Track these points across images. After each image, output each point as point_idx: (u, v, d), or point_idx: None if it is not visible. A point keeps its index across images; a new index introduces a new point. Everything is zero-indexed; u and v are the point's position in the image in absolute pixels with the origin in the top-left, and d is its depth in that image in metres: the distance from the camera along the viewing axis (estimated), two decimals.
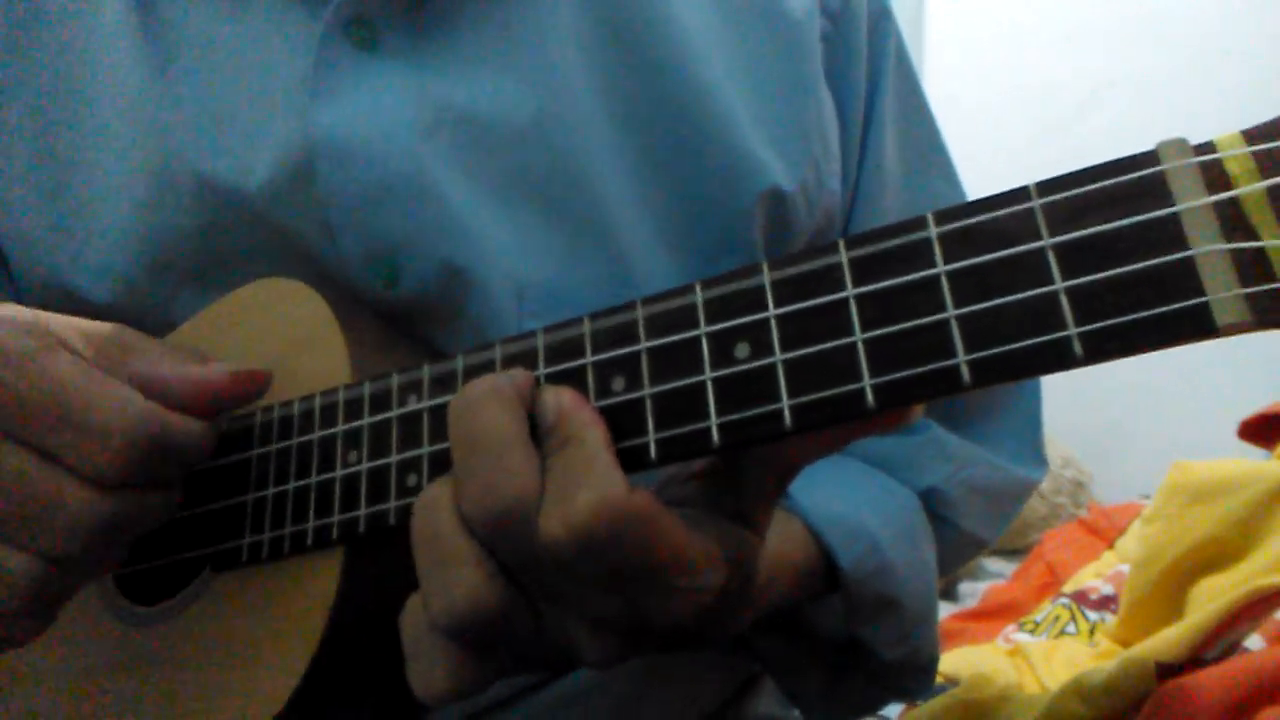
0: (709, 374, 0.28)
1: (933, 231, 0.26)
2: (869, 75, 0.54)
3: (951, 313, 0.25)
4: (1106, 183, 0.24)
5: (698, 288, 0.29)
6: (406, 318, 0.46)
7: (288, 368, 0.42)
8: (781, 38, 0.50)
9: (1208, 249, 0.22)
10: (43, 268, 0.50)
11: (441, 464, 0.33)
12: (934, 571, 0.52)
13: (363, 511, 0.35)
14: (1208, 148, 0.23)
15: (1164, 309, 0.23)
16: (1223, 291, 0.22)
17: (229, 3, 0.47)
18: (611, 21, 0.48)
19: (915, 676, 0.51)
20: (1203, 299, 0.22)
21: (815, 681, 0.50)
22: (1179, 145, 0.23)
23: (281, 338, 0.42)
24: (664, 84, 0.47)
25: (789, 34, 0.50)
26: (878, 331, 0.26)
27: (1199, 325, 0.22)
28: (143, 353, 0.37)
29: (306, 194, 0.44)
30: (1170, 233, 0.23)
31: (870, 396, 0.26)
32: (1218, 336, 0.22)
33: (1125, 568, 0.80)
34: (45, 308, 0.50)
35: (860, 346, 0.26)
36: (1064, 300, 0.24)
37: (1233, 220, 0.22)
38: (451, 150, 0.45)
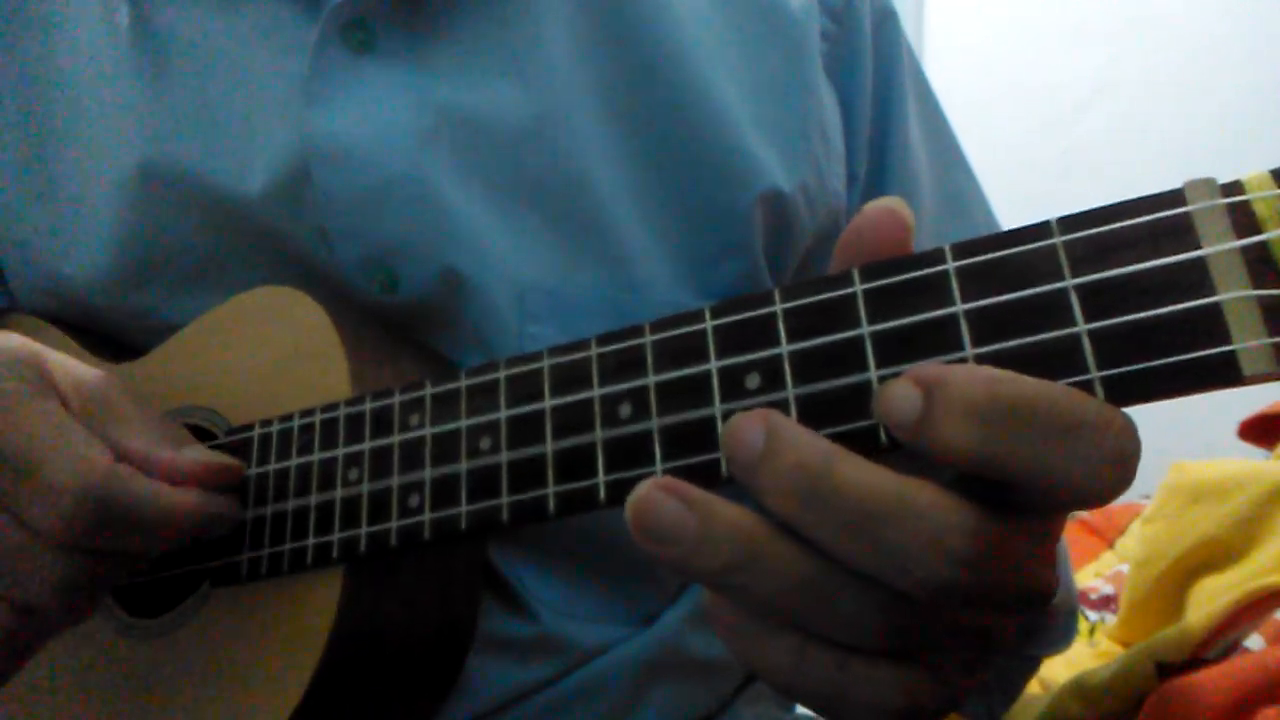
0: (718, 407, 0.28)
1: (950, 265, 0.25)
2: (877, 73, 0.54)
3: (970, 352, 0.24)
4: (1131, 221, 0.23)
5: (707, 314, 0.29)
6: (405, 323, 0.46)
7: (286, 377, 0.41)
8: (781, 36, 0.50)
9: (1235, 295, 0.22)
10: (37, 271, 0.50)
11: (444, 487, 0.33)
12: None
13: (364, 530, 0.35)
14: (1235, 188, 0.22)
15: (1189, 356, 0.22)
16: (1250, 340, 0.21)
17: (222, 5, 0.46)
18: (609, 22, 0.47)
19: (1070, 621, 0.51)
20: (1229, 347, 0.21)
21: None
22: (1206, 185, 0.23)
23: (280, 347, 0.42)
24: (661, 84, 0.47)
25: (788, 32, 0.50)
26: (893, 369, 0.25)
27: (1225, 374, 0.22)
28: (123, 422, 0.36)
29: (303, 199, 0.44)
30: (1196, 277, 0.22)
31: (884, 434, 0.25)
32: (1244, 385, 0.22)
33: (1125, 568, 0.80)
34: (40, 311, 0.51)
35: (875, 384, 0.25)
36: (1086, 343, 0.23)
37: (1261, 265, 0.22)
38: (450, 154, 0.44)
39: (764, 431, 0.24)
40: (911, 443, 0.23)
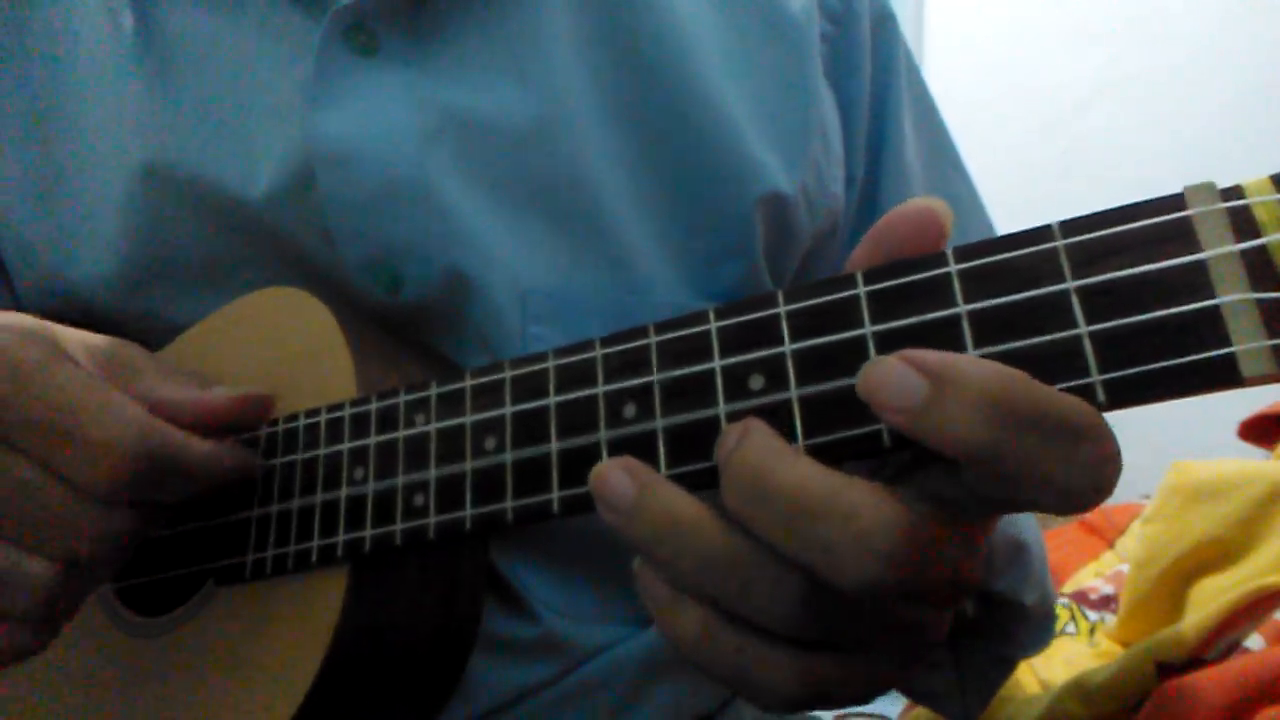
0: (722, 407, 0.28)
1: (953, 267, 0.25)
2: (875, 77, 0.54)
3: (972, 353, 0.25)
4: (1132, 225, 0.23)
5: (711, 315, 0.29)
6: (408, 324, 0.46)
7: (292, 378, 0.41)
8: (781, 38, 0.50)
9: (1235, 298, 0.22)
10: (40, 272, 0.50)
11: (449, 487, 0.33)
12: (1034, 518, 0.52)
13: (369, 532, 0.35)
14: (1235, 192, 0.23)
15: (1190, 358, 0.22)
16: (1250, 342, 0.21)
17: (226, 8, 0.46)
18: (610, 23, 0.48)
19: (1046, 624, 0.52)
20: (1229, 349, 0.22)
21: (943, 669, 0.50)
22: (1207, 189, 0.23)
23: (286, 347, 0.42)
24: (663, 86, 0.47)
25: (789, 34, 0.50)
26: None
27: (1225, 376, 0.22)
28: (145, 373, 0.37)
29: (307, 201, 0.44)
30: (1197, 280, 0.22)
31: (887, 435, 0.25)
32: (1244, 386, 0.22)
33: (1125, 568, 0.80)
34: (44, 312, 0.51)
35: None
36: (1087, 345, 0.23)
37: (1261, 269, 0.22)
38: (453, 155, 0.44)
39: (738, 432, 0.26)
40: (909, 426, 0.23)
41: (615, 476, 0.27)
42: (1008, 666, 0.53)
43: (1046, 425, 0.22)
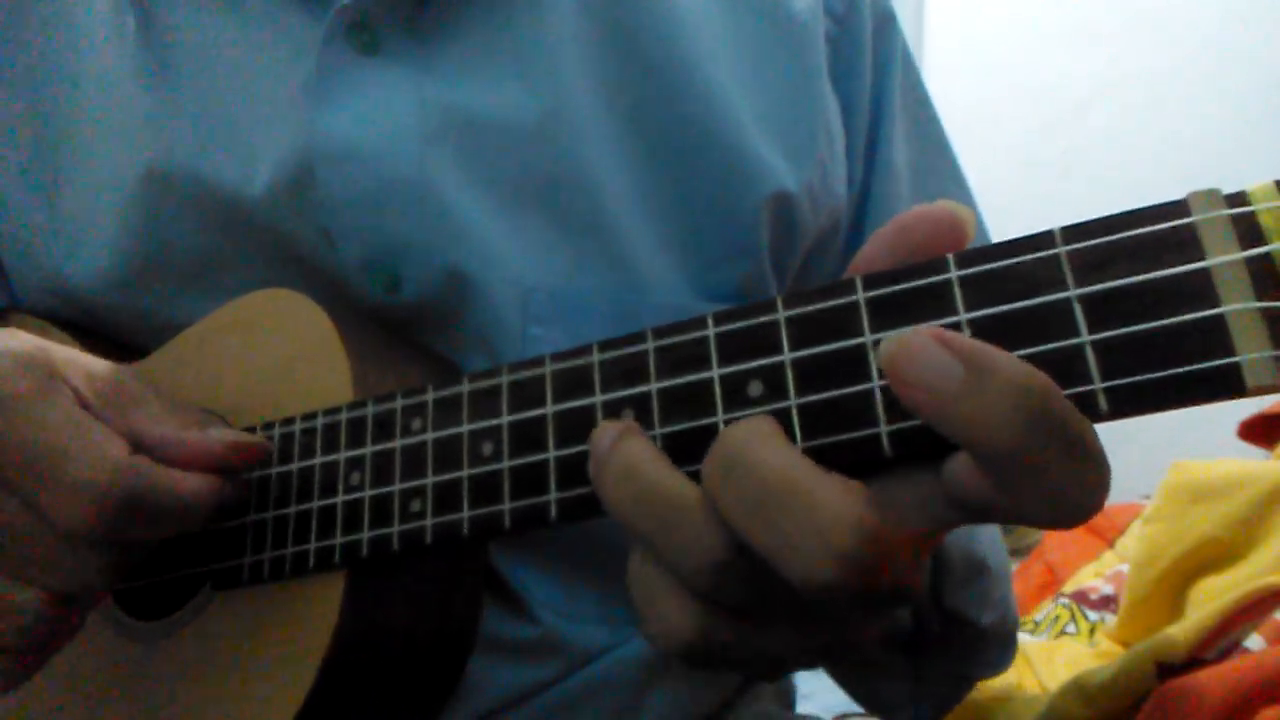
0: (721, 415, 0.28)
1: (954, 274, 0.25)
2: (874, 78, 0.54)
3: None
4: (1134, 231, 0.23)
5: (710, 321, 0.29)
6: (407, 324, 0.46)
7: (288, 380, 0.41)
8: (787, 38, 0.50)
9: (1239, 307, 0.22)
10: (38, 268, 0.50)
11: (446, 493, 0.33)
12: (1000, 538, 0.52)
13: (365, 535, 0.35)
14: (1240, 199, 0.22)
15: (1193, 368, 0.22)
16: (1254, 352, 0.21)
17: (227, 8, 0.46)
18: (615, 23, 0.47)
19: (1004, 644, 0.51)
20: (1234, 359, 0.21)
21: (898, 679, 0.50)
22: (1210, 195, 0.23)
23: (282, 349, 0.42)
24: (668, 86, 0.47)
25: (794, 34, 0.50)
26: None
27: (1228, 386, 0.22)
28: (141, 408, 0.36)
29: (306, 199, 0.44)
30: (1200, 288, 0.22)
31: (887, 444, 0.25)
32: (1247, 396, 0.22)
33: (1125, 568, 0.80)
34: (42, 311, 0.51)
35: (878, 393, 0.25)
36: (1089, 354, 0.23)
37: (1265, 276, 0.22)
38: (454, 154, 0.44)
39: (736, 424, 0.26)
40: (935, 410, 0.23)
41: (607, 429, 0.28)
42: (966, 684, 0.53)
43: (1067, 437, 0.22)
